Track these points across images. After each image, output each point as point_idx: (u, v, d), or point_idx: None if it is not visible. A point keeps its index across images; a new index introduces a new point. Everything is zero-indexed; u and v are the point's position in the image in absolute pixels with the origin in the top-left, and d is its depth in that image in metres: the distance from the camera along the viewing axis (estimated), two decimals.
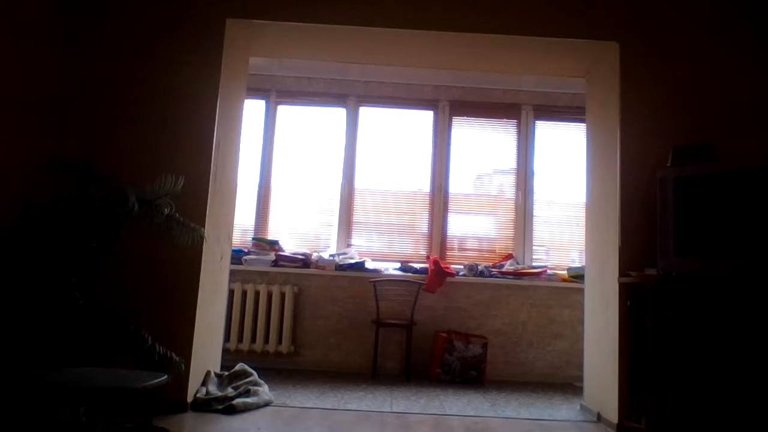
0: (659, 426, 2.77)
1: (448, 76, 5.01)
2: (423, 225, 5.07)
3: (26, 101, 2.94)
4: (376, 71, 4.96)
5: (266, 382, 3.56)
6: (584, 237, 3.79)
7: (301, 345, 4.60)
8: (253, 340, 4.53)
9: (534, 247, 5.03)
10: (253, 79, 4.78)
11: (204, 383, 3.30)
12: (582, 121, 4.10)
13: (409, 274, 4.73)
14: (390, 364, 4.59)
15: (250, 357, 4.41)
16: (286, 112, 5.19)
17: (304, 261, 4.70)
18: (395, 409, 3.37)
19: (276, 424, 2.93)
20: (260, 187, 5.06)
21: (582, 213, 4.17)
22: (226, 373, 3.53)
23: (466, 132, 5.21)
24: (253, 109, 5.11)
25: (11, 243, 2.48)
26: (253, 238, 4.91)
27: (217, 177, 3.34)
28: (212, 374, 3.39)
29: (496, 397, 3.89)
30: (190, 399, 3.10)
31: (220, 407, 3.09)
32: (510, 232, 5.07)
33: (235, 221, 3.84)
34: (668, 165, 3.02)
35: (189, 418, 2.95)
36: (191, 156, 3.21)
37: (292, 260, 4.68)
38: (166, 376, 2.11)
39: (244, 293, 4.58)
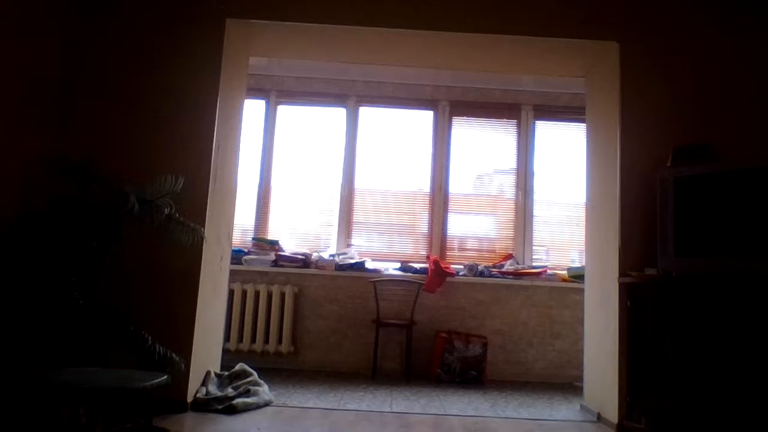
0: (659, 426, 2.77)
1: (448, 76, 5.01)
2: (423, 225, 5.07)
3: (26, 101, 2.95)
4: (376, 71, 4.96)
5: (266, 382, 3.56)
6: (584, 237, 3.79)
7: (301, 345, 4.60)
8: (253, 340, 4.53)
9: (534, 247, 5.03)
10: (253, 79, 4.78)
11: (204, 383, 3.30)
12: (582, 121, 4.10)
13: (409, 274, 4.73)
14: (390, 364, 4.59)
15: (250, 357, 4.41)
16: (286, 112, 5.19)
17: (304, 261, 4.70)
18: (395, 409, 3.37)
19: (276, 424, 2.93)
20: (260, 187, 5.06)
21: (582, 213, 4.17)
22: (226, 373, 3.53)
23: (466, 132, 5.21)
24: (253, 109, 5.11)
25: (11, 243, 2.48)
26: (253, 238, 4.91)
27: (217, 177, 3.34)
28: (212, 374, 3.39)
29: (496, 397, 3.89)
30: (190, 399, 3.10)
31: (220, 407, 3.09)
32: (510, 232, 5.07)
33: (235, 221, 3.84)
34: (668, 165, 3.03)
35: (189, 418, 2.95)
36: (191, 156, 3.21)
37: (292, 260, 4.68)
38: (166, 376, 2.11)
39: (244, 293, 4.58)
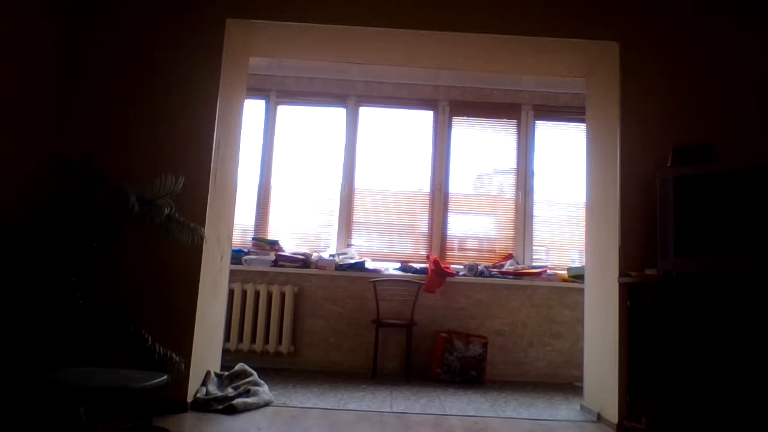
0: (659, 426, 2.77)
1: (448, 76, 5.01)
2: (423, 225, 5.07)
3: (26, 101, 2.94)
4: (376, 71, 4.96)
5: (266, 382, 3.56)
6: (584, 237, 3.79)
7: (301, 345, 4.60)
8: (253, 340, 4.54)
9: (534, 247, 5.03)
10: (253, 79, 4.79)
11: (204, 383, 3.30)
12: (582, 121, 4.10)
13: (409, 274, 4.73)
14: (390, 364, 4.59)
15: (250, 357, 4.42)
16: (286, 112, 5.19)
17: (304, 261, 4.70)
18: (395, 409, 3.37)
19: (276, 424, 2.93)
20: (260, 187, 5.06)
21: (582, 213, 4.17)
22: (226, 373, 3.53)
23: (466, 132, 5.21)
24: (253, 109, 5.11)
25: (11, 243, 2.48)
26: (253, 238, 4.91)
27: (217, 177, 3.34)
28: (212, 374, 3.39)
29: (496, 397, 3.89)
30: (190, 399, 3.10)
31: (220, 407, 3.09)
32: (510, 232, 5.07)
33: (235, 221, 3.84)
34: (668, 165, 3.03)
35: (189, 418, 2.95)
36: (191, 156, 3.21)
37: (292, 260, 4.68)
38: (166, 376, 2.11)
39: (244, 293, 4.58)
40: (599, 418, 3.31)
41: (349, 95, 5.17)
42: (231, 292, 4.41)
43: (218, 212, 3.41)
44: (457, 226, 5.08)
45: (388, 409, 3.36)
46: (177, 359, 2.61)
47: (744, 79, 3.31)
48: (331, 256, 4.75)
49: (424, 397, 3.77)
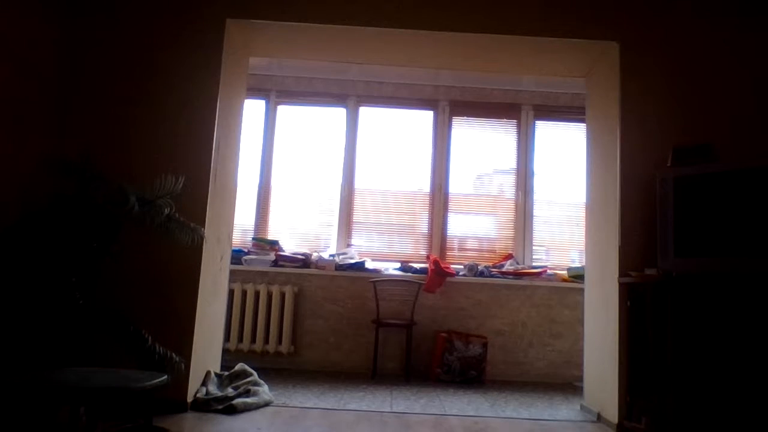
0: (659, 426, 2.77)
1: (448, 76, 5.01)
2: (423, 225, 5.07)
3: (26, 101, 2.94)
4: (376, 71, 4.96)
5: (266, 382, 3.56)
6: (584, 237, 3.79)
7: (301, 345, 4.60)
8: (253, 340, 4.54)
9: (534, 247, 5.03)
10: (253, 79, 4.78)
11: (204, 383, 3.30)
12: (582, 121, 4.10)
13: (409, 274, 4.73)
14: (390, 364, 4.59)
15: (250, 357, 4.42)
16: (286, 112, 5.19)
17: (304, 261, 4.70)
18: (395, 409, 3.37)
19: (276, 424, 2.93)
20: (260, 187, 5.06)
21: (582, 213, 4.17)
22: (226, 373, 3.53)
23: (466, 132, 5.21)
24: (253, 109, 5.11)
25: (11, 243, 2.48)
26: (253, 238, 4.91)
27: (217, 177, 3.34)
28: (212, 374, 3.39)
29: (496, 397, 3.89)
30: (190, 399, 3.10)
31: (220, 407, 3.09)
32: (510, 232, 5.07)
33: (235, 221, 3.84)
34: (668, 165, 3.03)
35: (189, 418, 2.95)
36: (191, 156, 3.21)
37: (292, 260, 4.68)
38: (166, 376, 2.11)
39: (244, 293, 4.58)
40: (599, 418, 3.31)
41: (349, 95, 5.17)
42: (231, 292, 4.41)
43: (218, 212, 3.41)
44: (457, 226, 5.08)
45: (388, 409, 3.36)
46: (177, 359, 2.61)
47: (744, 79, 3.31)
48: (331, 256, 4.75)
49: (424, 397, 3.77)
